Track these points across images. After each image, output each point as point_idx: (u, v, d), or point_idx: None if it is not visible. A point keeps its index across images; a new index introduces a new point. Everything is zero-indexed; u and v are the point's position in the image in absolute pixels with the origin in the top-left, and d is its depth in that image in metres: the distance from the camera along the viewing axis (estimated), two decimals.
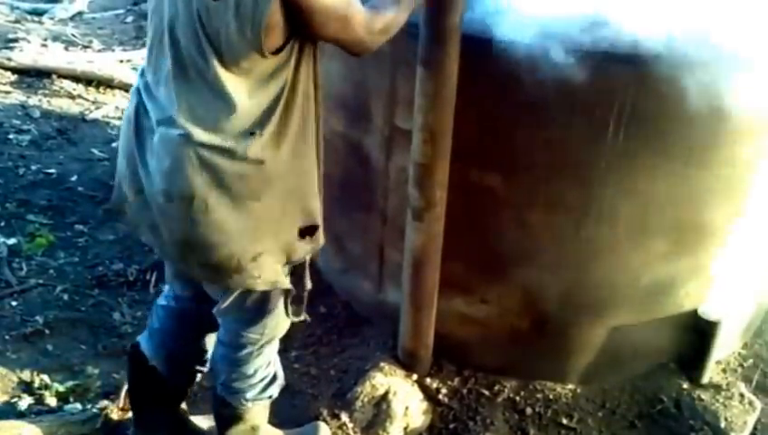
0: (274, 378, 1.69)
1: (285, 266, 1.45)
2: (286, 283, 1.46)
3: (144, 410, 1.77)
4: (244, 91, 1.29)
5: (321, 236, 1.49)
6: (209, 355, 1.71)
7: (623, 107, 1.67)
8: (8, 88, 3.92)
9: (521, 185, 1.83)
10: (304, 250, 1.46)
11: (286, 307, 1.53)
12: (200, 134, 1.30)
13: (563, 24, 1.64)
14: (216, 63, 1.26)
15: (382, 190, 2.03)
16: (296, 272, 1.50)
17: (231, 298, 1.49)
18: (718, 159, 1.81)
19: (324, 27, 1.30)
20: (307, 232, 1.45)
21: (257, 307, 1.53)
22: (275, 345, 1.66)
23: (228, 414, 1.68)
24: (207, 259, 1.39)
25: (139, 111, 1.39)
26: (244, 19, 1.21)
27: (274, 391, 1.70)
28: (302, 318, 1.57)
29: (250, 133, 1.30)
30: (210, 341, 1.70)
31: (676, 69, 1.64)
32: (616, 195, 1.79)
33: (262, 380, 1.66)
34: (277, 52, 1.27)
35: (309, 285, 1.54)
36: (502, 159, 1.83)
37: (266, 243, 1.39)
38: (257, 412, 1.69)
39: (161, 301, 1.72)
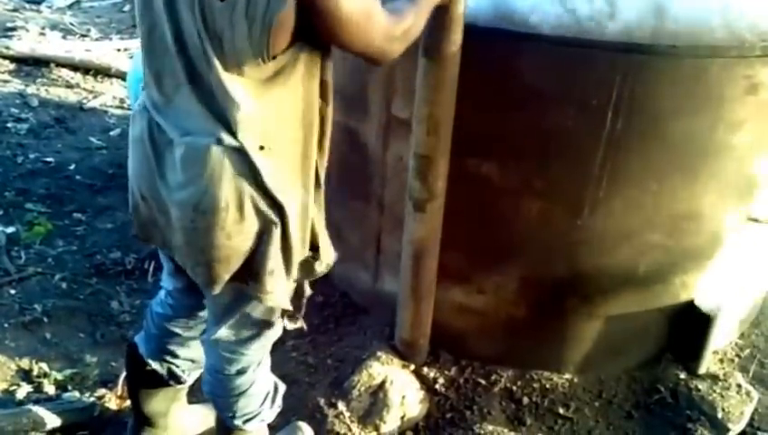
0: (276, 386, 1.63)
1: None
2: (288, 304, 1.41)
3: (143, 402, 1.75)
4: (248, 96, 1.21)
5: (326, 254, 1.42)
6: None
7: (620, 96, 1.66)
8: (6, 77, 3.92)
9: (517, 174, 1.82)
10: (306, 270, 1.41)
11: (283, 315, 1.48)
12: (228, 139, 1.22)
13: (561, 13, 1.63)
14: (218, 67, 1.19)
15: (379, 179, 2.02)
16: (296, 281, 1.44)
17: (236, 316, 1.42)
18: (715, 149, 1.80)
19: (342, 35, 1.20)
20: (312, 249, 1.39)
21: (262, 321, 1.45)
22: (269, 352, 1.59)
23: None
24: (231, 270, 1.31)
25: (152, 129, 1.32)
26: (254, 19, 1.14)
27: (280, 401, 1.64)
28: (298, 325, 1.50)
29: (260, 147, 1.25)
30: None
31: (673, 57, 1.63)
32: (613, 184, 1.78)
33: (267, 394, 1.59)
34: (277, 56, 1.19)
35: (308, 291, 1.48)
36: (498, 148, 1.82)
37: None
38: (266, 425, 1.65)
39: (157, 308, 1.66)
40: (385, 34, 1.26)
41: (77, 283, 2.43)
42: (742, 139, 1.79)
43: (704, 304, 2.02)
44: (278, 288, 1.35)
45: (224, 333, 1.45)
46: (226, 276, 1.32)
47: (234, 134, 1.23)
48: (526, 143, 1.78)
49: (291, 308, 1.42)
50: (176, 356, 1.67)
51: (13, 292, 2.37)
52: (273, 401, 1.61)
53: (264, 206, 1.28)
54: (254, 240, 1.29)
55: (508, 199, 1.85)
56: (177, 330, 1.63)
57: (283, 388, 1.65)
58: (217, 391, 1.57)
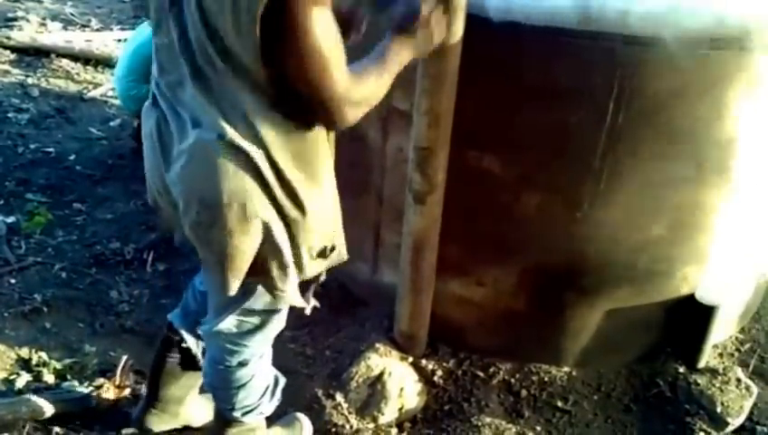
0: (276, 379, 1.61)
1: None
2: (300, 301, 1.38)
3: (164, 385, 1.72)
4: (252, 92, 1.18)
5: (338, 254, 1.38)
6: None
7: (621, 88, 1.65)
8: (7, 67, 3.91)
9: (518, 167, 1.81)
10: (318, 267, 1.37)
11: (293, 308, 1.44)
12: (234, 136, 1.19)
13: (562, 5, 1.61)
14: (219, 64, 1.16)
15: (379, 171, 2.01)
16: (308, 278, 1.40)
17: (238, 309, 1.40)
18: (717, 142, 1.78)
19: (299, 65, 1.13)
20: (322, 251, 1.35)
21: (265, 314, 1.44)
22: (270, 344, 1.56)
23: (240, 429, 1.58)
24: (240, 269, 1.28)
25: (160, 123, 1.31)
26: (239, 12, 1.10)
27: (280, 394, 1.63)
28: (313, 304, 1.45)
29: (264, 146, 1.21)
30: None
31: (675, 50, 1.62)
32: (613, 177, 1.77)
33: (267, 387, 1.58)
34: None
35: (323, 276, 1.44)
36: (499, 141, 1.81)
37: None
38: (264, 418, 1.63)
39: (199, 285, 1.62)
40: (343, 90, 1.17)
41: (76, 273, 2.44)
42: (743, 131, 1.77)
43: (704, 297, 2.01)
44: (290, 287, 1.33)
45: (225, 324, 1.43)
46: (237, 276, 1.28)
47: (239, 131, 1.20)
48: (527, 136, 1.77)
49: (304, 304, 1.40)
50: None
51: (13, 281, 2.38)
52: (273, 394, 1.61)
53: (271, 205, 1.25)
54: (260, 239, 1.26)
55: (508, 192, 1.84)
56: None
57: (283, 381, 1.64)
58: (217, 383, 1.56)
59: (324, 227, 1.33)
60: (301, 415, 1.86)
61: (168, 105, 1.29)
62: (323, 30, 1.12)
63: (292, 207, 1.26)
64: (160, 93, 1.31)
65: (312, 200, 1.28)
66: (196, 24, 1.17)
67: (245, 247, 1.26)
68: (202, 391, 1.82)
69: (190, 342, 1.66)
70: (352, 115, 1.22)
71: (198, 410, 1.85)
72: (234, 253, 1.25)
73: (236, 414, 1.56)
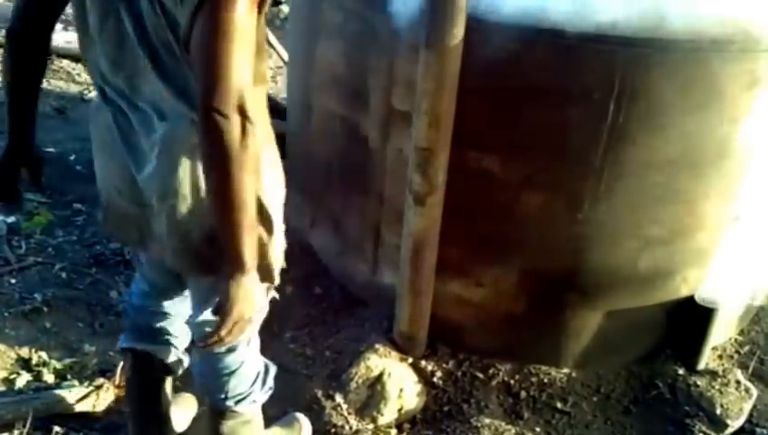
0: (267, 367, 1.61)
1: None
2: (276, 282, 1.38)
3: (147, 410, 1.72)
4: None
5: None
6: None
7: (622, 90, 1.65)
8: None
9: (519, 168, 1.81)
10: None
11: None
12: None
13: (562, 5, 1.62)
14: (177, 49, 1.13)
15: (379, 172, 2.02)
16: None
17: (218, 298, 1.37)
18: (717, 144, 1.79)
19: (210, 37, 1.04)
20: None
21: None
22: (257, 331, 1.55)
23: (236, 421, 1.56)
24: (210, 255, 1.27)
25: (118, 120, 1.28)
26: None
27: (272, 382, 1.62)
28: (270, 296, 1.44)
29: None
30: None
31: (675, 51, 1.62)
32: (614, 179, 1.77)
33: (258, 374, 1.57)
34: None
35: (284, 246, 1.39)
36: (500, 142, 1.81)
37: None
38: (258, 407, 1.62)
39: (137, 300, 1.64)
40: (237, 83, 1.05)
41: (77, 273, 2.44)
42: (744, 134, 1.77)
43: (704, 299, 2.02)
44: (278, 268, 1.35)
45: (209, 314, 1.39)
46: (207, 261, 1.27)
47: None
48: (527, 137, 1.77)
49: (273, 284, 1.39)
50: (169, 333, 1.65)
51: (13, 281, 2.38)
52: (264, 382, 1.59)
53: None
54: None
55: (508, 193, 1.84)
56: (163, 310, 1.63)
57: (273, 369, 1.62)
58: (207, 371, 1.54)
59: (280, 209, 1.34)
60: (300, 415, 1.86)
61: (126, 101, 1.26)
62: (242, 18, 1.04)
63: (261, 188, 1.24)
64: (115, 91, 1.27)
65: (271, 183, 1.29)
66: (151, 13, 1.14)
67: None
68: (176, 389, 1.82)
69: (154, 350, 1.64)
70: (232, 123, 1.06)
71: (178, 415, 1.85)
72: (209, 238, 1.23)
73: (229, 403, 1.55)
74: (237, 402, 1.54)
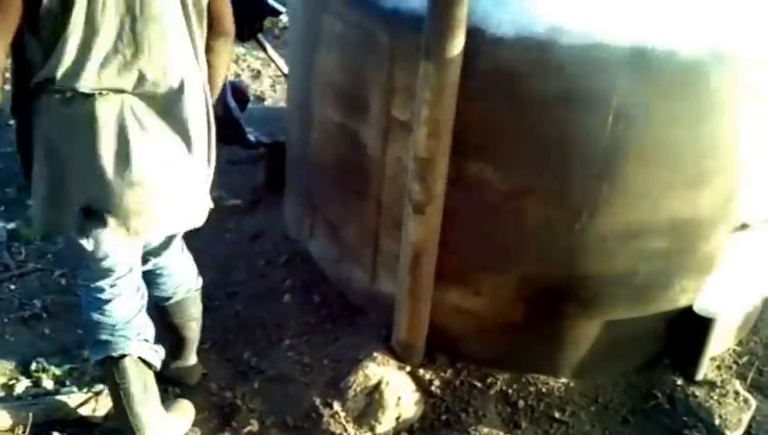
0: None
1: None
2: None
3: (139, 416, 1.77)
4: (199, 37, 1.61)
5: None
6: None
7: (621, 100, 1.66)
8: (8, 74, 3.92)
9: (517, 177, 1.82)
10: None
11: None
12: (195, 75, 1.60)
13: (561, 16, 1.63)
14: (193, 20, 1.56)
15: (378, 180, 2.02)
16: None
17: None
18: (717, 154, 1.79)
19: None
20: None
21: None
22: None
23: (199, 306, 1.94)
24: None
25: (94, 105, 1.53)
26: None
27: None
28: None
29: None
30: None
31: (673, 63, 1.63)
32: (612, 188, 1.78)
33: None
34: None
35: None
36: (499, 151, 1.82)
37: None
38: None
39: (101, 297, 1.72)
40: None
41: (75, 279, 2.44)
42: (743, 143, 1.78)
43: (702, 309, 2.02)
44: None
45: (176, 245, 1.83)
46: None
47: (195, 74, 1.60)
48: (526, 147, 1.78)
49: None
50: (150, 328, 1.77)
51: (13, 287, 2.39)
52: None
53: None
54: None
55: (507, 202, 1.85)
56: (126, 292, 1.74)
57: None
58: (185, 270, 1.88)
59: None
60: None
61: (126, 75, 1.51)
62: None
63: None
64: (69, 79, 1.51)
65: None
66: None
67: None
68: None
69: (137, 344, 1.71)
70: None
71: (176, 421, 1.88)
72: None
73: (198, 278, 1.94)
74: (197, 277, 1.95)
